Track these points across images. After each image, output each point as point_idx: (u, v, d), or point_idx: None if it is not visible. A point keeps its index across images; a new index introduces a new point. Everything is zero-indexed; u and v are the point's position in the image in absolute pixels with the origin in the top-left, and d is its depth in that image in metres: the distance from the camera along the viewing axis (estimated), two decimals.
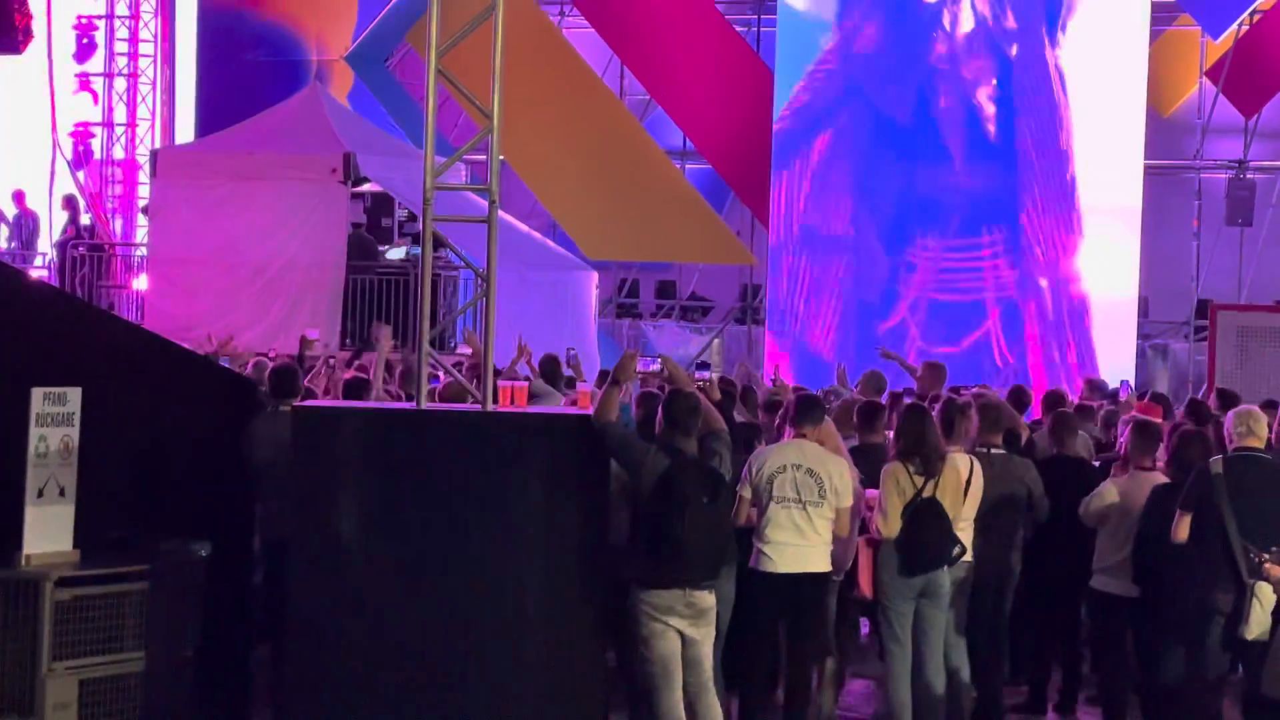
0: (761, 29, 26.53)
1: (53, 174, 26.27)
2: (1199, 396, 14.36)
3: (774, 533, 10.42)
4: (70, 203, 25.23)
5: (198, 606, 9.73)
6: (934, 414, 10.97)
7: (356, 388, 11.94)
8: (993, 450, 11.39)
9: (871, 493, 10.82)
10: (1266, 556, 9.41)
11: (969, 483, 10.85)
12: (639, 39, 25.82)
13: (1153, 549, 10.41)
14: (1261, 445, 10.21)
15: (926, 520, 10.51)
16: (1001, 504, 11.24)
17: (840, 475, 10.51)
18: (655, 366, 15.58)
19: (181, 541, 9.71)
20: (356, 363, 15.25)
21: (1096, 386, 16.01)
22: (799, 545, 10.43)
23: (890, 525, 10.53)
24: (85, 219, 25.64)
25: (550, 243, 24.31)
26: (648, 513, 9.30)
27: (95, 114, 27.18)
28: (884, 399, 13.49)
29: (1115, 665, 11.32)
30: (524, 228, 23.75)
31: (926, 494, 10.52)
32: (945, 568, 10.66)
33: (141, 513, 9.82)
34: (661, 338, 26.90)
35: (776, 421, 11.24)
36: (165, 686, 9.53)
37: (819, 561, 10.51)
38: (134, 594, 9.41)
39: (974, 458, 11.07)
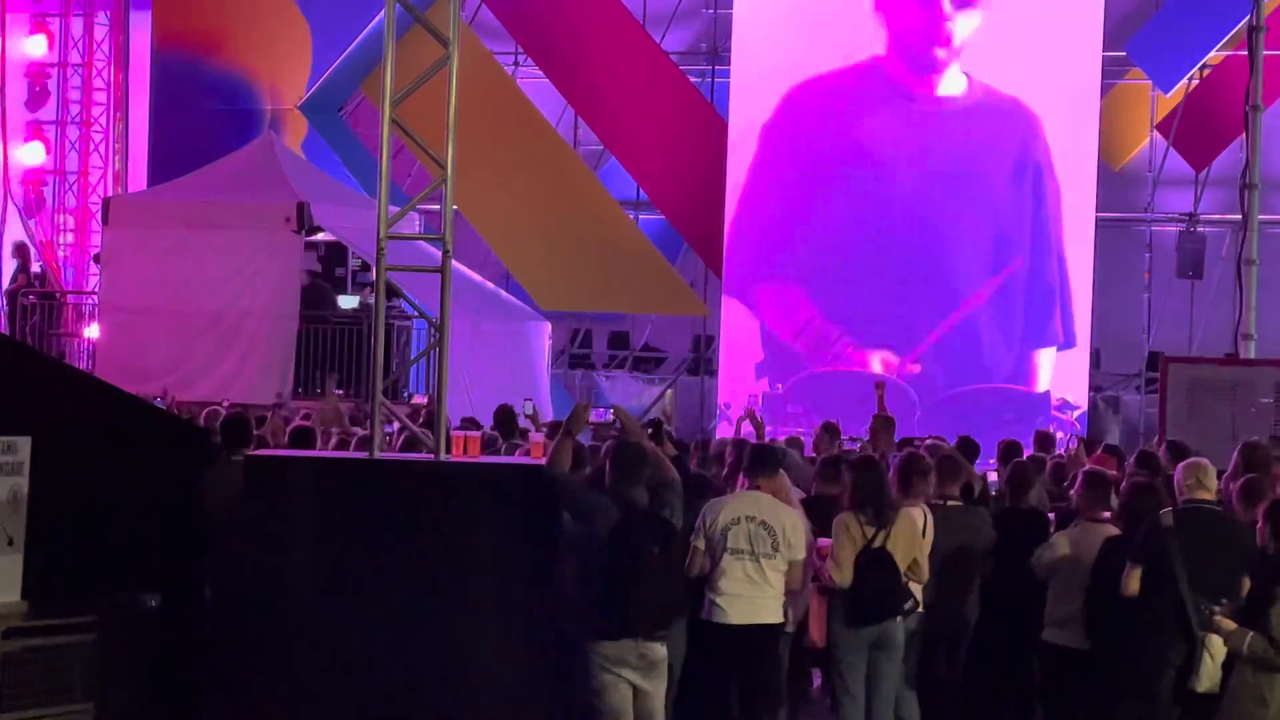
0: (715, 79, 26.60)
1: (3, 221, 26.15)
2: (1150, 448, 14.38)
3: (726, 584, 10.42)
4: (21, 250, 25.11)
5: (148, 658, 9.66)
6: (891, 467, 10.98)
7: (303, 436, 11.96)
8: (949, 502, 11.40)
9: (824, 542, 10.82)
10: (1217, 609, 9.42)
11: (922, 534, 10.87)
12: (593, 89, 25.88)
13: (1104, 601, 10.41)
14: (1212, 497, 10.23)
15: (876, 571, 10.51)
16: (958, 556, 11.23)
17: (794, 527, 10.51)
18: (608, 417, 15.58)
19: (131, 592, 9.64)
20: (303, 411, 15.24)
21: (1045, 439, 16.03)
22: (751, 597, 10.43)
23: (843, 574, 10.53)
24: (36, 267, 25.53)
25: (504, 293, 24.30)
26: (599, 563, 9.28)
27: (48, 162, 27.08)
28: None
29: (1067, 718, 11.31)
30: (477, 278, 23.74)
31: (877, 544, 10.53)
32: (899, 619, 10.66)
33: (91, 563, 9.73)
34: (614, 388, 26.87)
35: (725, 472, 11.23)
36: None
37: (771, 613, 10.51)
38: (83, 645, 9.32)
39: (929, 509, 11.08)
